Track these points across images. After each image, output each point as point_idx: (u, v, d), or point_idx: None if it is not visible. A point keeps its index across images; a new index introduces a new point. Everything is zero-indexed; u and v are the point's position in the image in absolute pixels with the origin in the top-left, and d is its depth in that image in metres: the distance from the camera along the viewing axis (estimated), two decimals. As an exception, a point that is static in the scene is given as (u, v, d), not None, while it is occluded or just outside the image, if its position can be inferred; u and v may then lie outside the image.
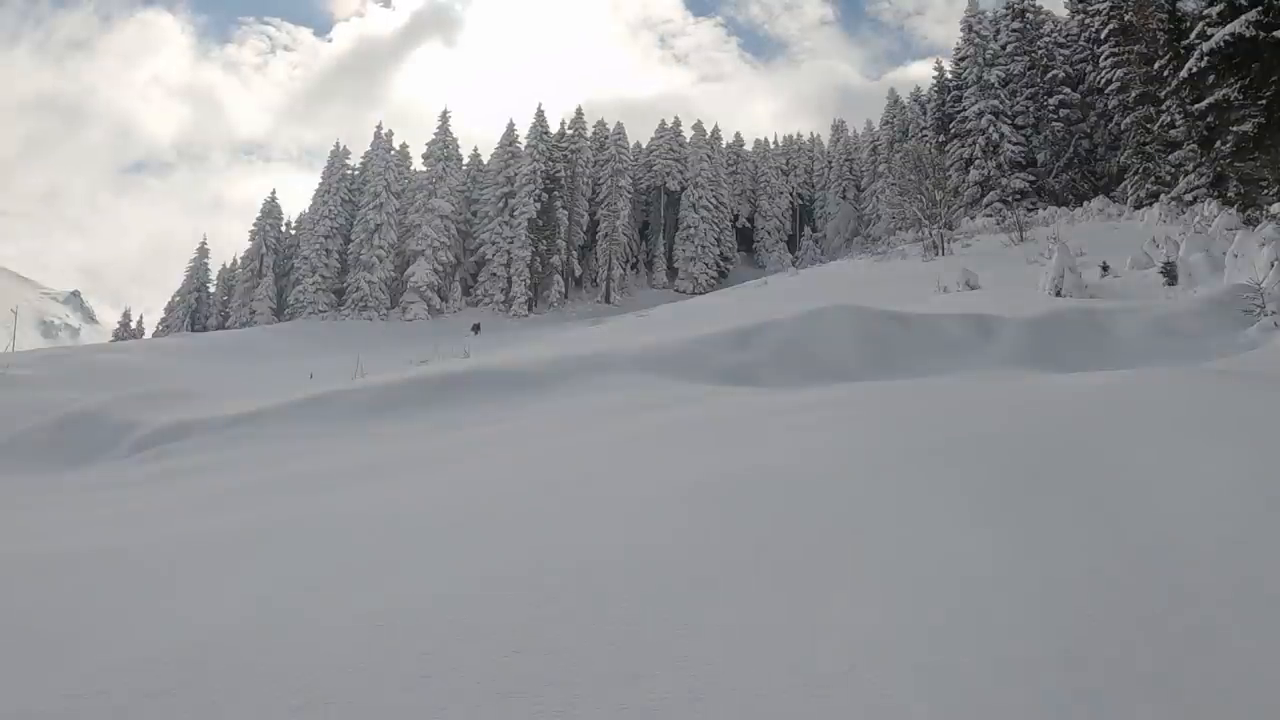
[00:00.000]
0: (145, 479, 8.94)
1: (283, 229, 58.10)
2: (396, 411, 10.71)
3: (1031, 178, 41.02)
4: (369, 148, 55.92)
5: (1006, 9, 45.13)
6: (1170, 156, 28.67)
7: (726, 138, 71.70)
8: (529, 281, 53.44)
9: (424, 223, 51.87)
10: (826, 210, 68.97)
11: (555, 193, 55.51)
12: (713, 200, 64.00)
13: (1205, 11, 16.15)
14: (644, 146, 67.59)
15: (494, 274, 53.47)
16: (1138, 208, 30.29)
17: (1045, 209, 36.57)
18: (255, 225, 57.23)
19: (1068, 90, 41.26)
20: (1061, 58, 42.48)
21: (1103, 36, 35.99)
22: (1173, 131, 27.75)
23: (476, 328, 44.85)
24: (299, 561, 3.56)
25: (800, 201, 71.78)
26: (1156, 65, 26.56)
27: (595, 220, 59.92)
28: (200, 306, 58.14)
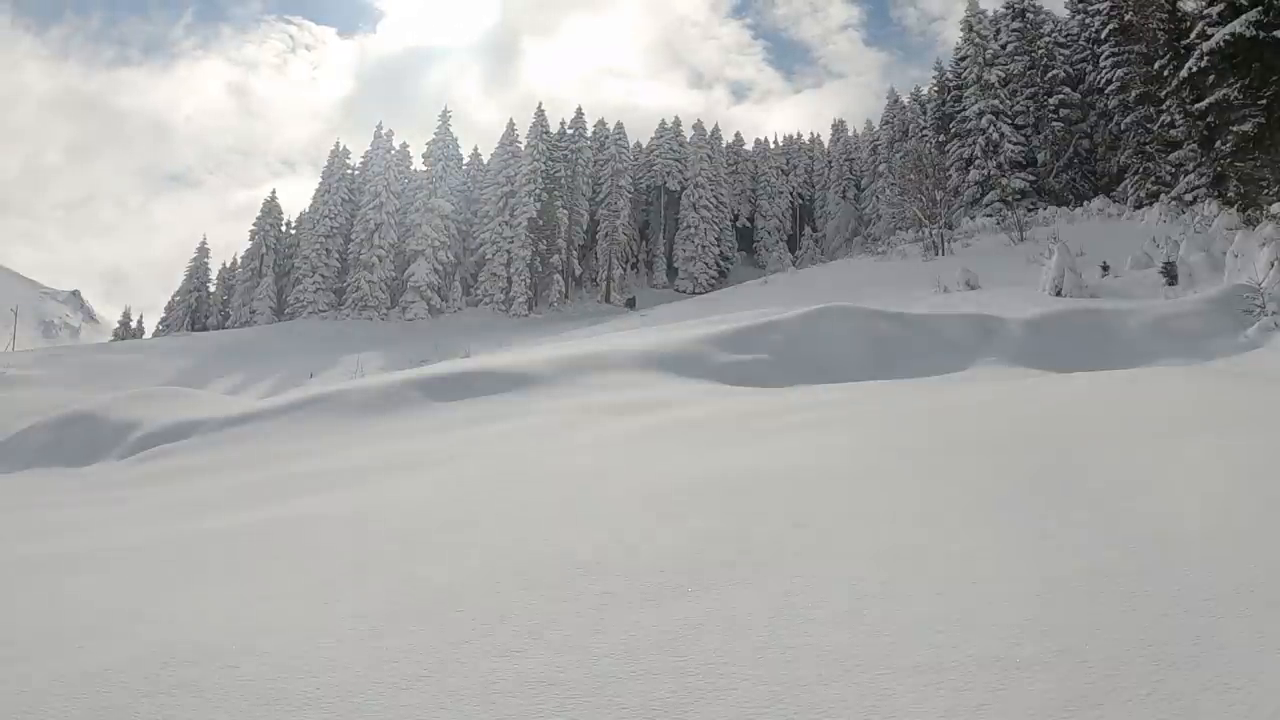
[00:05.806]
0: (144, 479, 8.93)
1: (283, 229, 58.14)
2: (396, 411, 10.69)
3: (1031, 178, 40.98)
4: (369, 147, 55.96)
5: (1006, 9, 45.09)
6: (1170, 156, 28.66)
7: (727, 138, 71.82)
8: (529, 281, 53.47)
9: (424, 222, 51.91)
10: (826, 210, 68.96)
11: (555, 192, 55.54)
12: (713, 200, 64.03)
13: (1205, 11, 16.16)
14: (644, 146, 67.62)
15: (494, 274, 53.49)
16: (1138, 208, 30.28)
17: (1045, 209, 36.54)
18: (255, 225, 57.30)
19: (1068, 90, 41.22)
20: (1061, 58, 42.44)
21: (1103, 36, 35.98)
22: (1173, 131, 27.74)
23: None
24: (297, 561, 3.56)
25: (800, 201, 71.79)
26: (1156, 65, 26.56)
27: (595, 220, 59.94)
28: (200, 306, 58.19)
